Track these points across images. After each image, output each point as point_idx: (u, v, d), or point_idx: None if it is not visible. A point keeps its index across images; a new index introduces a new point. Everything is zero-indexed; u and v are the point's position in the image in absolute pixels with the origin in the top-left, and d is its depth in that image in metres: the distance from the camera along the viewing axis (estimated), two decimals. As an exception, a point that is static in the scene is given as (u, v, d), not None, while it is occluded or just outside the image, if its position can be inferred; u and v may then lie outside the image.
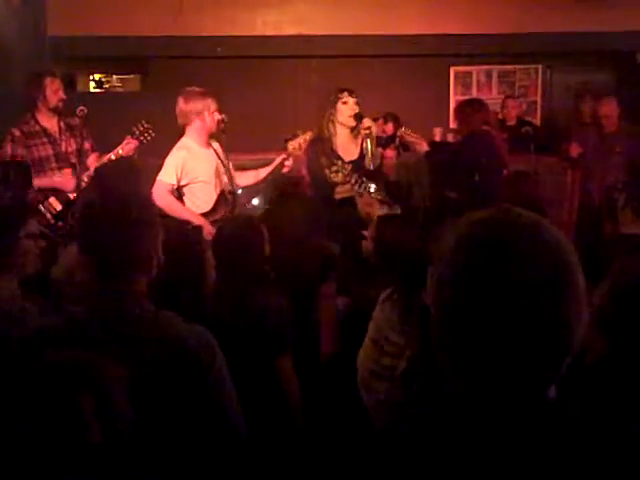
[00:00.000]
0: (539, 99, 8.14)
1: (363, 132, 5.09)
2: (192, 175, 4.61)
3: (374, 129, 5.24)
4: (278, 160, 4.99)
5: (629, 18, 7.44)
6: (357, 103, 5.21)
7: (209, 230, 3.98)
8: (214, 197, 4.70)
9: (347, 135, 5.24)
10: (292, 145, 5.03)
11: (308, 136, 5.05)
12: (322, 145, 5.21)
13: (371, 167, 5.06)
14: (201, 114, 4.65)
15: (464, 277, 1.06)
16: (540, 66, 8.07)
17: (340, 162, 5.07)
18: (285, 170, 4.99)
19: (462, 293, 1.06)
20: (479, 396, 1.07)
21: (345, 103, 5.18)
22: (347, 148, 5.25)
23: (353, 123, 5.21)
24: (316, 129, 5.31)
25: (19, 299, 2.46)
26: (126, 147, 4.89)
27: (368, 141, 5.06)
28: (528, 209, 1.11)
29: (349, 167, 5.08)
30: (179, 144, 4.67)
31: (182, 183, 4.61)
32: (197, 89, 4.71)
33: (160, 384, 1.82)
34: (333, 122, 5.21)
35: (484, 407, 1.06)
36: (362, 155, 5.13)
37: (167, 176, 4.56)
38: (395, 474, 1.08)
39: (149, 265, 1.94)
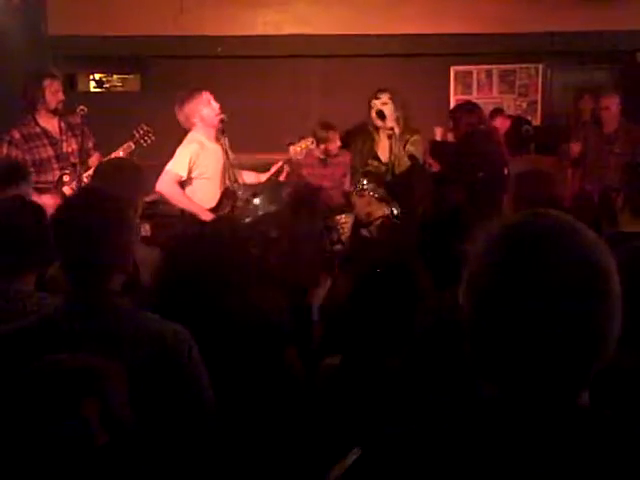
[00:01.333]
0: (539, 98, 8.13)
1: (387, 132, 5.07)
2: (201, 170, 4.63)
3: (397, 130, 5.19)
4: (278, 165, 4.99)
5: (629, 17, 7.44)
6: (388, 100, 5.17)
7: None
8: (218, 193, 4.72)
9: (385, 136, 5.23)
10: (294, 149, 5.04)
11: (309, 142, 5.06)
12: (362, 146, 5.22)
13: (396, 170, 5.03)
14: (199, 112, 4.67)
15: (496, 280, 1.04)
16: (540, 65, 8.06)
17: (376, 162, 5.07)
18: (282, 177, 4.99)
19: (494, 296, 1.04)
20: (511, 401, 1.05)
21: (375, 103, 5.18)
22: (386, 149, 5.25)
23: (379, 122, 5.21)
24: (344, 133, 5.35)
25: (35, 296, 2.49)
26: (128, 149, 4.92)
27: (392, 142, 5.01)
28: (550, 209, 1.09)
29: (384, 168, 5.07)
30: (190, 137, 4.69)
31: (192, 176, 4.62)
32: (185, 92, 4.73)
33: (137, 381, 1.82)
34: (374, 124, 5.22)
35: (516, 412, 1.05)
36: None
37: (178, 167, 4.58)
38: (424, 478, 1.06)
39: (124, 264, 1.95)
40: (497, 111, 7.24)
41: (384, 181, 5.05)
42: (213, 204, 4.67)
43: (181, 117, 4.70)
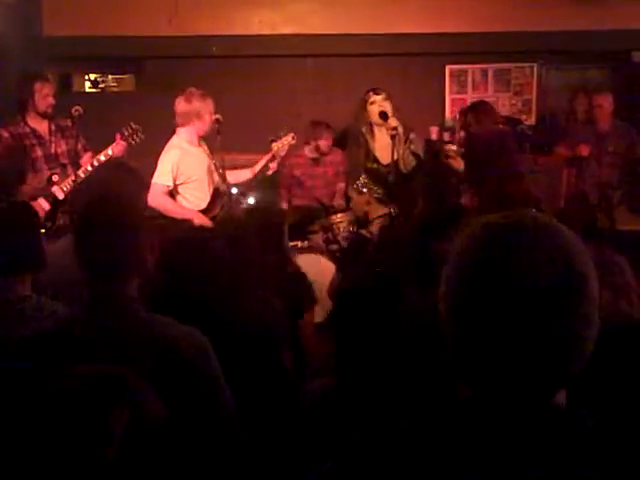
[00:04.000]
0: (534, 97, 8.14)
1: (389, 132, 4.99)
2: (187, 174, 4.63)
3: (401, 129, 5.12)
4: (264, 160, 4.98)
5: (625, 16, 7.44)
6: (386, 99, 5.09)
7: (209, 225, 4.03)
8: (208, 195, 4.72)
9: (385, 137, 5.15)
10: (276, 146, 5.05)
11: (291, 138, 5.06)
12: (357, 150, 5.13)
13: (403, 170, 4.95)
14: (201, 115, 4.68)
15: (472, 280, 1.04)
16: (536, 65, 8.07)
17: (376, 165, 5.01)
18: (270, 172, 4.97)
19: (470, 295, 1.04)
20: (486, 401, 1.05)
21: (373, 103, 5.09)
22: (386, 150, 5.17)
23: (380, 122, 5.15)
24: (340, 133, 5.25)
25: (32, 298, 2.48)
26: (116, 148, 4.90)
27: (395, 142, 4.91)
28: (523, 207, 1.10)
29: (385, 170, 5.00)
30: (170, 144, 4.69)
31: (178, 182, 4.62)
32: (197, 90, 4.73)
33: (154, 384, 1.82)
34: (370, 125, 5.11)
35: (490, 413, 1.05)
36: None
37: (163, 177, 4.57)
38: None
39: (140, 268, 1.95)
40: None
41: (385, 181, 5.01)
42: (204, 206, 4.68)
43: (182, 109, 4.68)
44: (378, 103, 5.12)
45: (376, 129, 5.23)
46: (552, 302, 1.01)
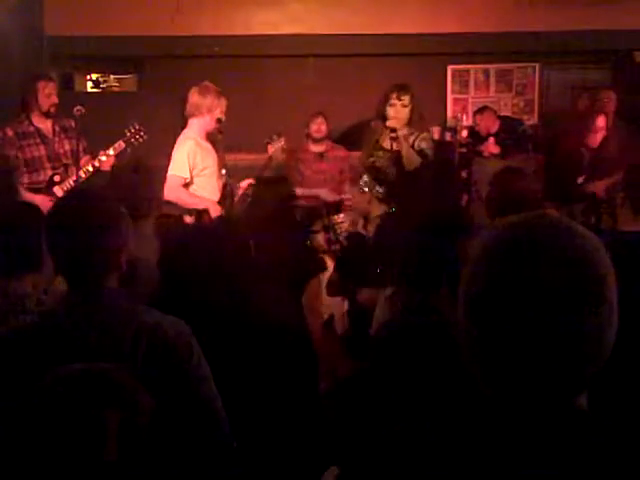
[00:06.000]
0: (536, 97, 8.14)
1: (390, 135, 4.91)
2: (201, 165, 4.68)
3: (402, 132, 5.06)
4: (243, 187, 4.88)
5: (627, 16, 7.44)
6: (406, 105, 4.94)
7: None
8: (219, 188, 4.76)
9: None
10: (271, 148, 5.07)
11: (283, 142, 5.07)
12: (368, 143, 5.11)
13: (407, 168, 4.90)
14: (212, 111, 4.71)
15: (492, 281, 1.04)
16: (537, 65, 8.07)
17: (381, 152, 4.96)
18: (240, 192, 4.88)
19: (489, 297, 1.04)
20: (506, 403, 1.05)
21: (393, 106, 4.96)
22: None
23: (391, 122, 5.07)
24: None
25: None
26: (117, 148, 4.92)
27: (394, 145, 4.86)
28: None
29: (389, 155, 4.93)
30: (184, 136, 4.72)
31: (193, 173, 4.65)
32: (214, 86, 4.78)
33: (138, 374, 1.82)
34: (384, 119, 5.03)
35: (511, 414, 1.04)
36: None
37: (179, 169, 4.61)
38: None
39: (118, 261, 1.96)
40: (484, 108, 7.18)
41: (386, 179, 4.97)
42: (216, 199, 4.72)
43: (195, 101, 4.71)
44: (401, 104, 4.93)
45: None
46: (573, 305, 1.01)
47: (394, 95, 4.91)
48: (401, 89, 4.92)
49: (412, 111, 4.91)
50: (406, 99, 4.90)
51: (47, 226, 2.02)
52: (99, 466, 1.48)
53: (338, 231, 5.46)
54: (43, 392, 1.54)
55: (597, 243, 1.06)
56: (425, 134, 5.07)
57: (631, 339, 2.20)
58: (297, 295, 3.41)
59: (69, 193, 4.43)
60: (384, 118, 4.94)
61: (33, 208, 2.89)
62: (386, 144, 4.97)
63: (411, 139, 4.93)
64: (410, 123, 4.93)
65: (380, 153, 4.97)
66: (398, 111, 4.90)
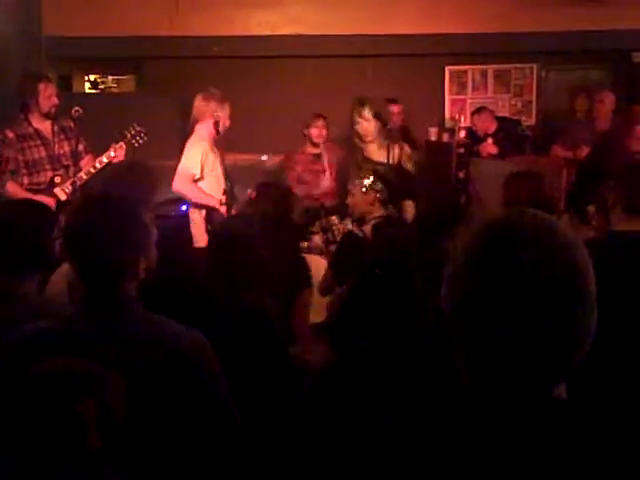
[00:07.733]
0: (534, 98, 8.15)
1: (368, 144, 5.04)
2: (210, 166, 4.85)
3: (377, 142, 5.17)
4: (215, 205, 4.91)
5: (625, 17, 7.46)
6: (368, 120, 5.09)
7: None
8: (222, 190, 4.85)
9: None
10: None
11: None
12: (352, 157, 5.21)
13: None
14: (216, 116, 4.83)
15: (474, 275, 1.06)
16: (535, 65, 8.08)
17: (370, 164, 5.05)
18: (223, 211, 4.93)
19: (472, 290, 1.06)
20: (484, 393, 1.07)
21: (360, 121, 5.12)
22: (378, 152, 5.29)
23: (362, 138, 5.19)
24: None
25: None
26: (118, 150, 4.93)
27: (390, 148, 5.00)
28: (539, 210, 1.11)
29: (382, 167, 5.03)
30: (198, 136, 4.87)
31: (204, 173, 4.80)
32: (218, 93, 4.92)
33: (155, 384, 1.82)
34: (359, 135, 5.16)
35: (488, 403, 1.07)
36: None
37: (192, 165, 4.78)
38: (397, 469, 1.08)
39: (137, 269, 1.94)
40: (481, 109, 7.17)
41: (390, 182, 5.00)
42: (223, 200, 4.82)
43: (199, 106, 4.82)
44: (362, 126, 5.10)
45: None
46: (553, 299, 1.03)
47: (355, 112, 5.10)
48: (358, 104, 5.10)
49: (378, 120, 5.06)
50: (365, 113, 5.06)
51: (66, 231, 2.01)
52: (86, 455, 1.52)
53: (336, 232, 5.46)
54: (23, 381, 1.59)
55: (576, 240, 1.09)
56: (408, 153, 5.21)
57: (627, 336, 2.21)
58: (285, 305, 3.40)
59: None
60: (357, 134, 5.13)
61: (42, 209, 2.89)
62: (375, 156, 5.09)
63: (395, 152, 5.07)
64: (381, 134, 5.07)
65: (369, 165, 5.05)
66: (364, 128, 5.09)
